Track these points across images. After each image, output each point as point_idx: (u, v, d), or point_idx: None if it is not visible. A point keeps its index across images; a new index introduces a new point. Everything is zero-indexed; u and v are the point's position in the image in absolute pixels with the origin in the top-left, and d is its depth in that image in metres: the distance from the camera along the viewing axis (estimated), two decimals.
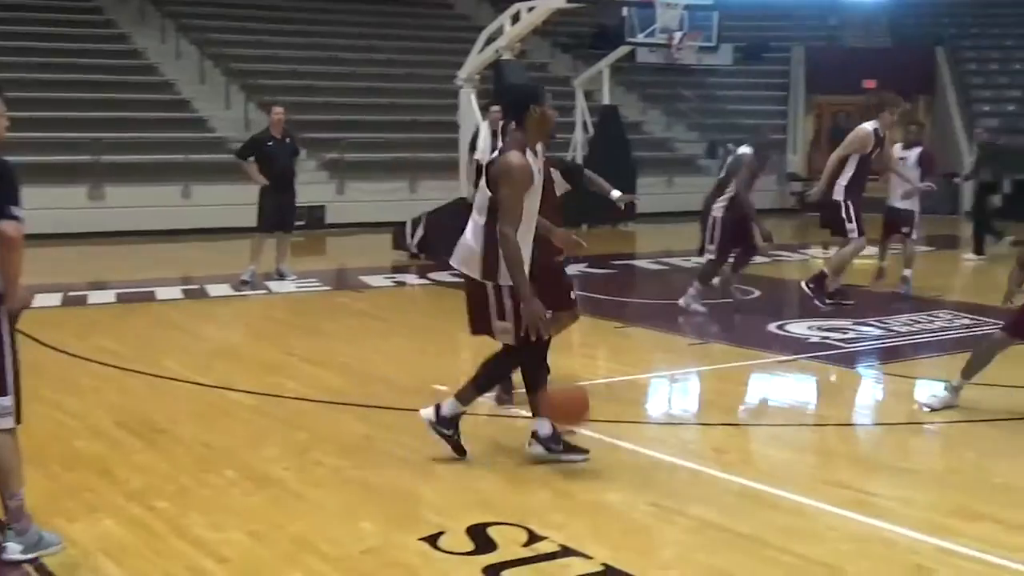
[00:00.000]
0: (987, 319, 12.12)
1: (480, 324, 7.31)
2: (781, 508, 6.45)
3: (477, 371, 7.45)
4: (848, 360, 10.73)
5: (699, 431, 8.49)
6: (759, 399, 9.73)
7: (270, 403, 8.88)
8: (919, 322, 12.45)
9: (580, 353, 11.46)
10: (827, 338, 11.52)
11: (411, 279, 16.43)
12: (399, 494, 6.67)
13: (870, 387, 10.27)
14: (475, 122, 18.19)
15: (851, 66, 31.87)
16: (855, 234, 12.88)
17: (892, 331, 11.98)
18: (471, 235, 7.11)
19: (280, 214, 15.35)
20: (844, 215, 12.91)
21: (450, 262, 7.33)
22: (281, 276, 15.44)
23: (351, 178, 24.82)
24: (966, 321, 12.49)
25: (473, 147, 16.44)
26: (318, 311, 13.65)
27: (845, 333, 11.78)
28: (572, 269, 16.64)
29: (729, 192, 12.80)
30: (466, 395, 7.39)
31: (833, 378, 10.26)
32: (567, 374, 10.18)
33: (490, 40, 19.00)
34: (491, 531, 5.98)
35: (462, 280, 7.34)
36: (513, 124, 7.15)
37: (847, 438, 8.41)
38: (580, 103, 24.20)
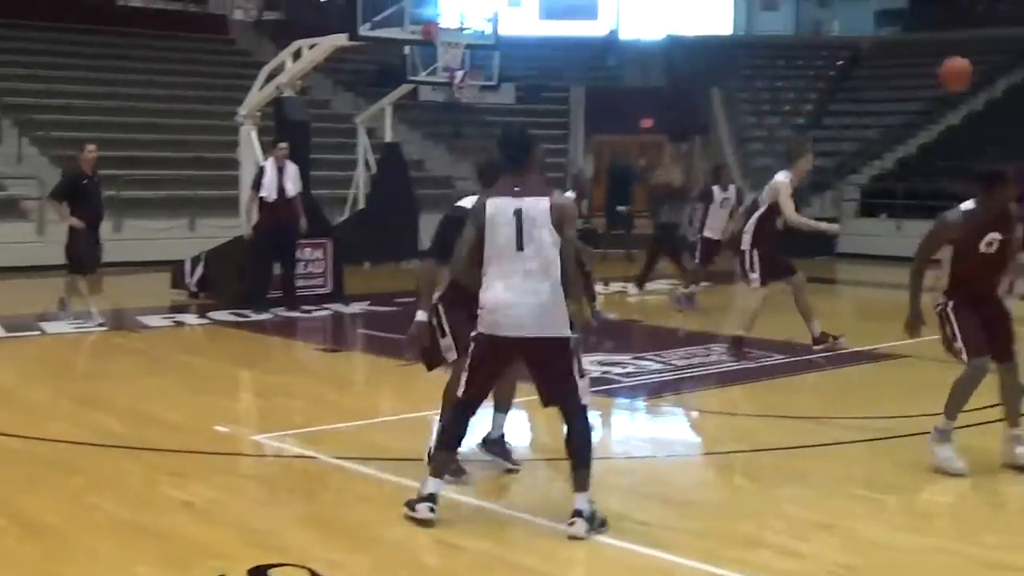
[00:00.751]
0: (760, 351, 12.52)
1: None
2: (563, 541, 6.51)
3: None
4: (627, 394, 10.92)
5: (482, 466, 8.53)
6: (541, 434, 9.81)
7: (43, 447, 8.61)
8: (696, 355, 12.75)
9: (364, 392, 11.46)
10: (607, 372, 11.69)
11: (190, 319, 16.10)
12: (178, 538, 6.54)
13: (650, 420, 10.48)
14: (256, 159, 18.02)
15: (629, 106, 32.61)
16: (757, 283, 12.58)
17: (671, 365, 12.24)
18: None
19: (94, 253, 14.93)
20: (748, 264, 12.58)
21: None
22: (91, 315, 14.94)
23: (129, 215, 24.27)
24: None
25: (258, 185, 16.27)
26: (93, 352, 13.32)
27: (624, 367, 11.99)
28: (355, 307, 16.67)
29: None
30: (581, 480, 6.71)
31: (609, 412, 10.43)
32: (351, 411, 10.18)
33: (271, 76, 18.84)
34: (273, 572, 5.91)
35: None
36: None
37: (627, 471, 8.53)
38: (363, 141, 24.16)
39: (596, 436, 9.82)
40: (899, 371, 12.08)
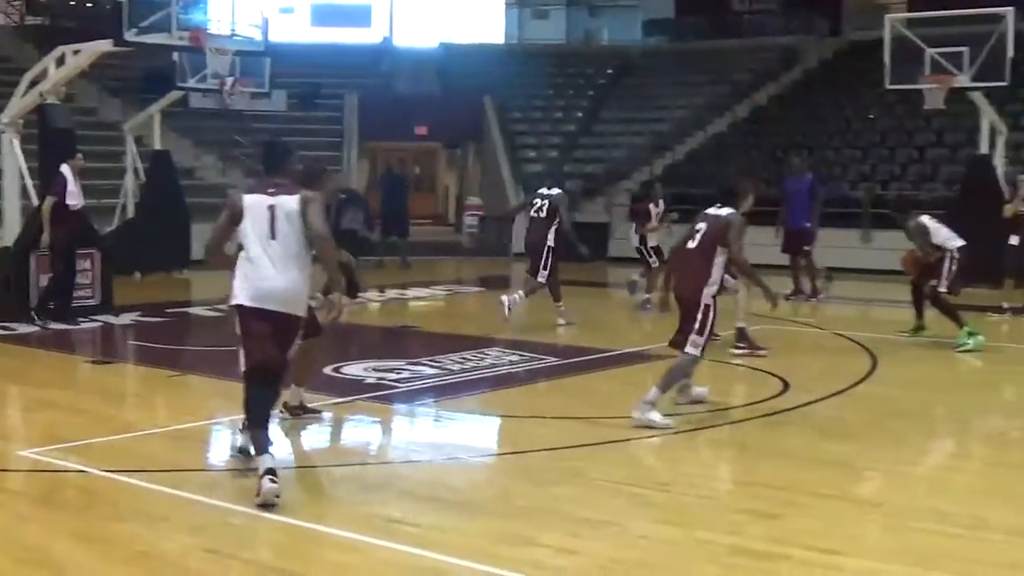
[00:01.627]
0: (532, 354, 12.75)
1: None
2: (338, 546, 6.55)
3: None
4: (404, 399, 10.98)
5: (254, 477, 8.48)
6: (316, 441, 9.80)
7: None
8: (470, 359, 12.87)
9: (133, 403, 11.27)
10: (383, 379, 11.73)
11: None
12: None
13: (423, 424, 10.56)
14: (19, 167, 17.54)
15: (403, 113, 32.67)
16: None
17: (445, 369, 12.33)
18: None
19: None
20: None
21: None
22: None
23: None
24: (514, 357, 13.02)
25: (63, 193, 15.87)
26: None
27: (400, 373, 12.04)
28: (124, 318, 16.33)
29: None
30: None
31: (387, 418, 10.48)
32: (122, 424, 9.99)
33: (34, 83, 18.33)
34: None
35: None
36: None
37: (402, 476, 8.57)
38: (131, 148, 23.67)
39: (374, 441, 9.94)
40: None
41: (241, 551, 6.43)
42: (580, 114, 35.44)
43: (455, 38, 38.84)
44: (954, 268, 13.58)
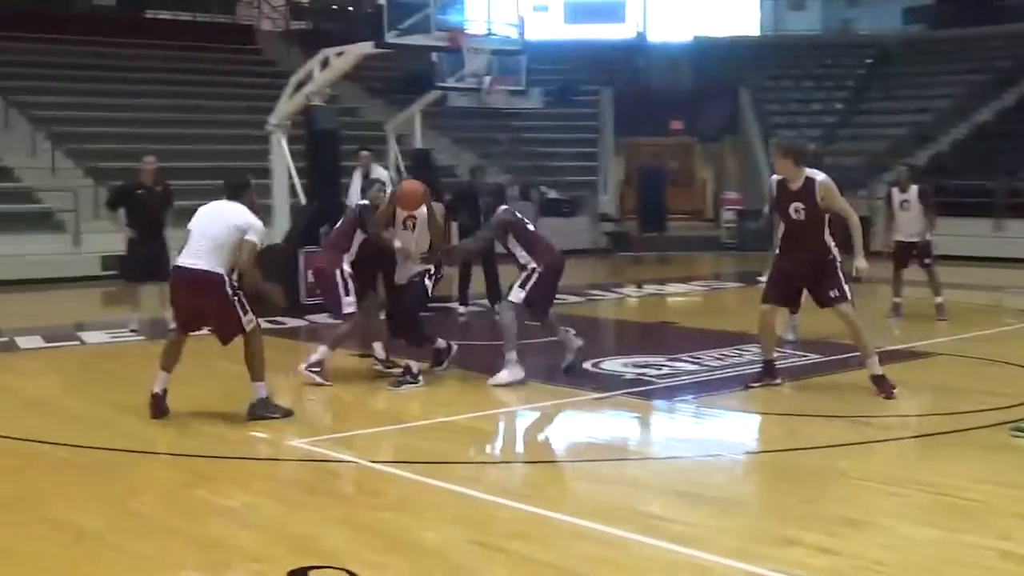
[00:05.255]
0: (791, 352, 12.50)
1: None
2: (600, 541, 6.54)
3: None
4: (663, 395, 10.92)
5: (518, 469, 8.56)
6: (577, 436, 9.85)
7: (83, 455, 8.68)
8: (730, 356, 12.73)
9: (398, 396, 11.48)
10: (643, 374, 11.71)
11: None
12: (217, 542, 6.60)
13: (683, 421, 10.48)
14: (287, 166, 18.17)
15: (658, 108, 32.58)
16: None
17: (705, 365, 12.23)
18: None
19: (149, 264, 14.90)
20: None
21: None
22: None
23: None
24: (774, 354, 12.78)
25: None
26: (132, 361, 13.37)
27: (659, 369, 11.99)
28: None
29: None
30: None
31: (648, 413, 10.45)
32: (383, 415, 10.23)
33: (300, 85, 18.93)
34: (313, 575, 5.96)
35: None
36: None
37: (663, 471, 8.54)
38: (393, 147, 24.23)
39: (633, 437, 9.93)
40: (926, 371, 12.06)
41: (505, 543, 6.49)
42: (839, 105, 34.75)
43: (709, 31, 38.53)
44: None
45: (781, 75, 35.98)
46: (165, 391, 9.86)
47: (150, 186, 15.32)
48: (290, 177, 18.66)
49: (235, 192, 10.01)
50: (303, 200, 18.37)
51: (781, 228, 11.03)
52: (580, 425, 10.19)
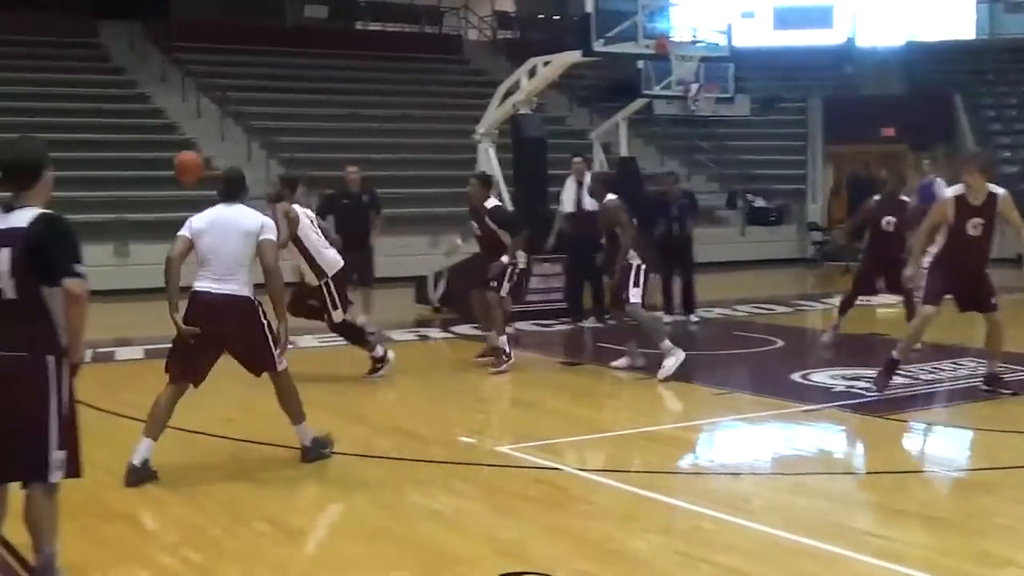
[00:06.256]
0: (1014, 365, 12.09)
1: None
2: (807, 555, 6.46)
3: None
4: (873, 409, 10.69)
5: (725, 480, 8.49)
6: (785, 448, 9.73)
7: (297, 455, 8.89)
8: (943, 370, 12.42)
9: (605, 404, 11.51)
10: (852, 387, 11.51)
11: (434, 333, 16.48)
12: (427, 545, 6.71)
13: (895, 435, 10.25)
14: (494, 175, 18.38)
15: (868, 114, 31.94)
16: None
17: (917, 379, 11.95)
18: None
19: (354, 270, 15.17)
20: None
21: None
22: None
23: None
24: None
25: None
26: (341, 365, 13.67)
27: (869, 382, 11.74)
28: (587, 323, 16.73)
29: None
30: None
31: (856, 427, 10.26)
32: (590, 424, 10.27)
33: (507, 94, 19.12)
34: None
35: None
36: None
37: (872, 486, 8.39)
38: (599, 156, 24.27)
39: (840, 450, 9.76)
40: None
41: (711, 554, 6.45)
42: None
43: (922, 35, 37.63)
44: None
45: (998, 80, 34.92)
46: (146, 461, 8.25)
47: (355, 194, 15.67)
48: (498, 185, 18.85)
49: (234, 192, 8.93)
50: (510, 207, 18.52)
51: (938, 243, 10.87)
52: (787, 437, 10.06)
